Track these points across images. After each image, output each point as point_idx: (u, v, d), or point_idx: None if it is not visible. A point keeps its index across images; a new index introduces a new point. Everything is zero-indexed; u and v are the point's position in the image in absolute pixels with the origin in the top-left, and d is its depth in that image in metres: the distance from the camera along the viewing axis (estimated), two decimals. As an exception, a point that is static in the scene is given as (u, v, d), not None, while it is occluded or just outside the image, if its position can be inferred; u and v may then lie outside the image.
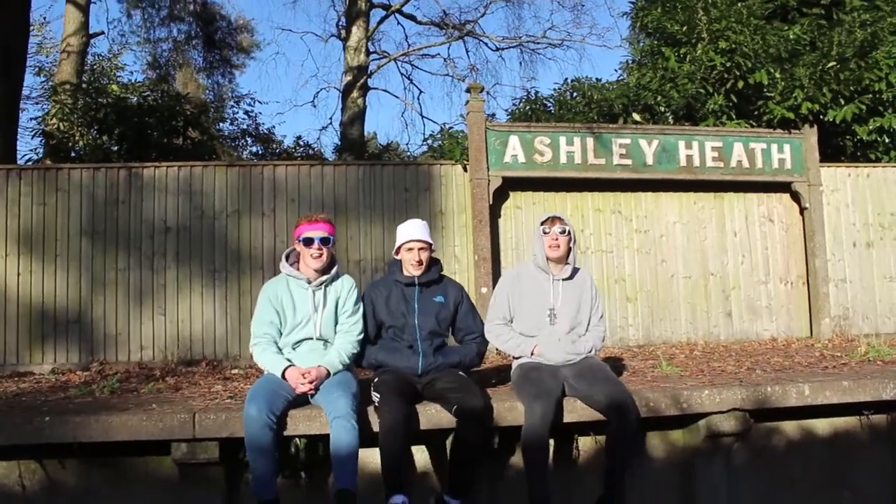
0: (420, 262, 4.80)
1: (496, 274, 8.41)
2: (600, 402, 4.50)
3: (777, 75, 9.40)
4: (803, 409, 5.13)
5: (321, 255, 4.60)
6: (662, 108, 9.69)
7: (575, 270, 4.99)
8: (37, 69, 17.15)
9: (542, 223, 4.92)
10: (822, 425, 5.32)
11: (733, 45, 9.49)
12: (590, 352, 4.84)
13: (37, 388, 6.20)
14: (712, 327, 9.08)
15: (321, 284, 4.66)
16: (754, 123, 9.57)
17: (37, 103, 17.51)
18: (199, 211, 8.24)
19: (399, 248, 4.88)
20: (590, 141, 8.81)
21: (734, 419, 4.85)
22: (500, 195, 8.69)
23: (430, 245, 4.86)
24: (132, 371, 7.16)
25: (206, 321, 8.13)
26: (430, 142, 11.30)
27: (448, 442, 4.59)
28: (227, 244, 8.24)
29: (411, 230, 4.85)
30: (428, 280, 4.88)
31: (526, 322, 4.89)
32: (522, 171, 8.68)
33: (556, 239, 4.82)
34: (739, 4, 9.99)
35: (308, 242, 4.59)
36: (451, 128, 10.57)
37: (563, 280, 4.92)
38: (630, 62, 11.38)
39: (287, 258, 4.76)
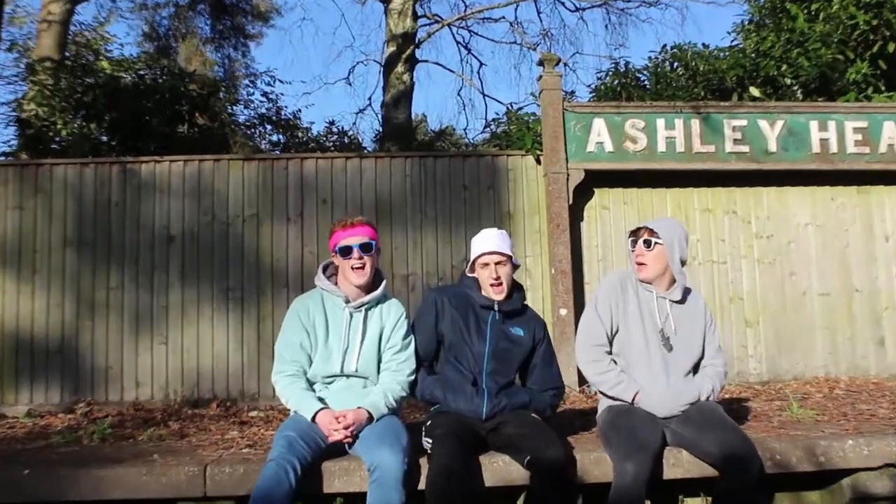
0: (499, 280, 4.75)
1: (578, 291, 8.38)
2: (712, 452, 4.41)
3: (940, 35, 9.21)
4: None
5: (363, 265, 4.58)
6: (789, 80, 9.58)
7: (686, 292, 4.91)
8: (8, 44, 17.66)
9: (629, 235, 4.90)
10: None
11: (881, -2, 9.35)
12: (708, 396, 4.73)
13: (11, 434, 6.36)
14: (859, 359, 8.91)
15: (361, 306, 4.67)
16: (910, 96, 9.40)
17: (10, 84, 18.04)
18: (209, 215, 8.39)
19: (473, 262, 4.86)
20: (695, 123, 8.75)
21: (888, 478, 4.73)
22: (583, 193, 8.69)
23: (511, 259, 4.80)
24: (127, 413, 7.30)
25: (217, 352, 8.25)
26: (493, 127, 11.38)
27: (520, 502, 4.59)
28: (245, 256, 8.36)
29: (486, 241, 4.81)
30: (510, 309, 4.86)
31: (630, 350, 4.80)
32: (610, 162, 8.65)
33: (641, 255, 4.76)
34: (890, -55, 9.82)
35: (346, 252, 4.57)
36: (519, 109, 10.63)
37: (673, 302, 4.86)
38: (746, 23, 11.27)
39: (325, 270, 4.79)
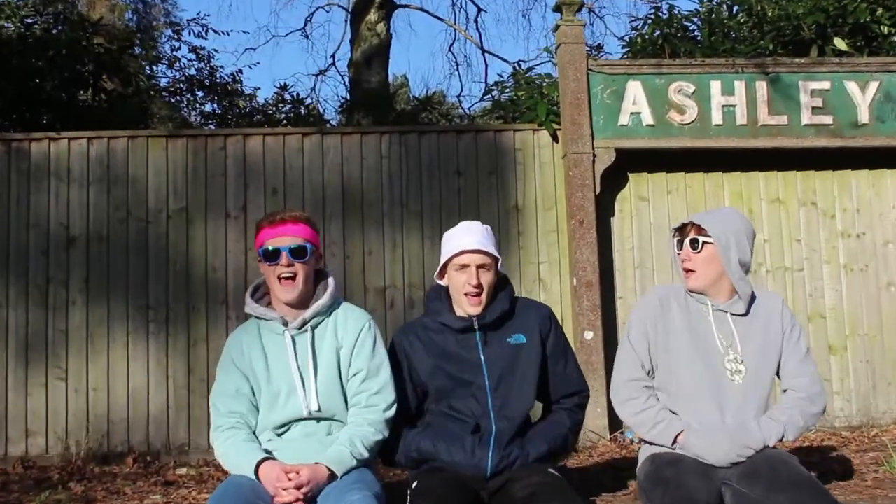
0: (478, 290, 4.63)
1: (608, 308, 8.38)
2: (785, 521, 4.42)
3: None
4: None
5: (293, 275, 4.44)
6: (886, 29, 9.58)
7: (752, 300, 4.83)
8: None
9: (673, 234, 4.84)
10: None
11: None
12: (780, 438, 4.67)
13: None
14: (979, 396, 8.94)
15: (304, 325, 4.55)
16: None
17: None
18: (122, 211, 8.34)
19: (444, 266, 4.76)
20: (762, 87, 8.76)
21: None
22: (614, 179, 8.69)
23: (498, 261, 4.71)
24: (12, 473, 7.30)
25: (134, 390, 8.19)
26: (496, 93, 11.36)
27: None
28: (170, 264, 8.33)
29: (466, 235, 4.70)
30: (496, 318, 4.76)
31: (675, 380, 4.76)
32: (649, 139, 8.65)
33: (687, 259, 4.70)
34: None
35: (271, 256, 4.44)
36: (530, 70, 10.61)
37: (736, 316, 4.81)
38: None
39: (254, 293, 4.66)
